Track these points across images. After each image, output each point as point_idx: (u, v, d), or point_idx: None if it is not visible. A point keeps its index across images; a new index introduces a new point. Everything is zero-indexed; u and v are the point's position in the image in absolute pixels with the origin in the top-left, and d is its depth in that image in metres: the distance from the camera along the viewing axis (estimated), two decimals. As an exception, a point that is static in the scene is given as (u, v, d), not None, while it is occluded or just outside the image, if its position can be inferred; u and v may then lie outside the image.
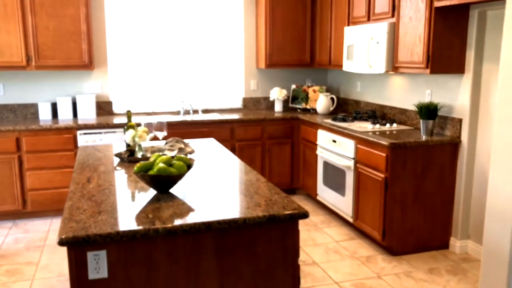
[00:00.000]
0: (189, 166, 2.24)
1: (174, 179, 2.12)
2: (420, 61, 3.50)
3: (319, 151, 4.51)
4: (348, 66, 4.41)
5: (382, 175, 3.53)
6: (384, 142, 3.46)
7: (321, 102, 5.05)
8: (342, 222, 4.33)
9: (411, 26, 3.57)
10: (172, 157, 2.24)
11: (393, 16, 3.80)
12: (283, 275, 1.97)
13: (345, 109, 5.31)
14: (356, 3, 4.34)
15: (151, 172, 2.08)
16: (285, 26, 5.12)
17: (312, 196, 4.82)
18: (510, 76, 2.29)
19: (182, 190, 2.22)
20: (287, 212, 1.91)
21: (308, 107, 5.32)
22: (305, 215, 1.93)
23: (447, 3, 3.21)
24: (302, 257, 3.59)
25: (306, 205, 4.84)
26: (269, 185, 2.30)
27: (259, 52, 5.31)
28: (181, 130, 4.63)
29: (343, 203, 4.11)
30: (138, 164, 2.12)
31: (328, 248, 3.75)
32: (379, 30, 3.87)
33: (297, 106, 5.40)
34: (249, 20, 5.35)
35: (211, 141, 3.49)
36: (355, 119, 4.54)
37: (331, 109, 5.09)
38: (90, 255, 1.72)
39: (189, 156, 2.96)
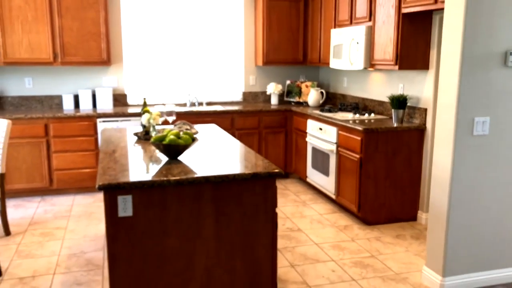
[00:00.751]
0: (193, 139, 2.86)
1: (182, 148, 2.74)
2: (391, 59, 4.10)
3: (308, 138, 5.13)
4: (334, 63, 5.02)
5: (358, 156, 4.14)
6: (359, 127, 4.07)
7: (312, 96, 5.67)
8: (327, 200, 4.94)
9: (384, 29, 4.18)
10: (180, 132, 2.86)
11: (370, 20, 4.41)
12: (264, 219, 2.59)
13: (334, 102, 5.92)
14: (341, 8, 4.94)
15: (164, 142, 2.71)
16: (280, 28, 5.74)
17: (303, 178, 5.44)
18: (448, 71, 2.88)
19: (188, 158, 2.85)
20: (266, 171, 2.53)
21: (301, 100, 5.93)
22: (280, 173, 2.55)
23: (411, 10, 3.82)
24: (289, 225, 4.21)
25: (297, 187, 5.46)
26: (256, 155, 2.92)
27: (257, 51, 5.93)
28: (188, 119, 5.26)
29: (328, 183, 4.73)
30: (154, 136, 2.75)
31: (312, 219, 4.37)
32: (359, 32, 4.48)
33: (291, 99, 6.02)
34: (248, 23, 5.97)
35: (213, 126, 4.12)
36: (339, 110, 5.15)
37: (321, 102, 5.70)
38: (120, 198, 2.35)
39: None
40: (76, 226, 4.20)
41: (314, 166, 5.04)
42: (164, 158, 2.83)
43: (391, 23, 4.06)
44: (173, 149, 2.72)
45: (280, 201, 4.93)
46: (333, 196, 4.62)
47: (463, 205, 2.96)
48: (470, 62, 2.79)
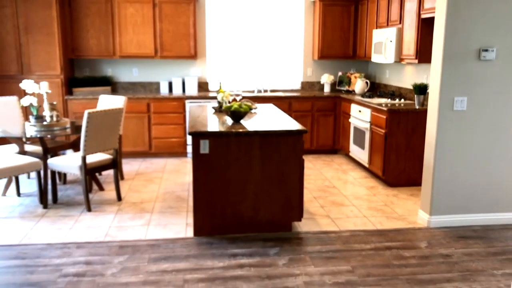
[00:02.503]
0: (251, 109, 4.18)
1: (242, 114, 4.07)
2: (413, 55, 5.14)
3: (351, 119, 6.26)
4: (374, 58, 6.10)
5: (383, 131, 5.23)
6: (385, 108, 5.16)
7: (358, 85, 6.76)
8: (363, 169, 6.06)
9: (409, 30, 5.21)
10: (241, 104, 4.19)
11: (400, 23, 5.45)
12: (294, 163, 3.84)
13: (377, 91, 6.96)
14: (381, 13, 6.01)
15: (231, 110, 4.05)
16: (334, 28, 6.89)
17: (347, 154, 6.57)
18: (435, 62, 3.91)
19: (247, 122, 4.17)
20: (296, 129, 3.78)
21: (350, 89, 7.05)
22: (305, 131, 3.78)
23: (428, 15, 4.84)
24: (327, 183, 5.40)
25: (342, 160, 6.60)
26: (294, 121, 4.17)
27: (314, 47, 7.13)
28: (254, 101, 6.60)
29: (363, 154, 5.84)
30: (224, 106, 4.10)
31: (347, 181, 5.53)
32: (392, 32, 5.54)
33: (342, 88, 7.15)
34: (307, 24, 7.19)
35: (270, 105, 5.42)
36: (378, 96, 6.21)
37: (366, 90, 6.78)
38: (201, 141, 3.72)
39: (253, 110, 4.91)
40: (169, 176, 5.71)
41: (355, 142, 6.16)
42: (230, 122, 4.17)
43: (413, 26, 5.09)
44: (236, 114, 4.05)
45: (324, 169, 6.12)
46: (367, 165, 5.74)
47: (445, 162, 4.00)
48: (450, 56, 3.83)
